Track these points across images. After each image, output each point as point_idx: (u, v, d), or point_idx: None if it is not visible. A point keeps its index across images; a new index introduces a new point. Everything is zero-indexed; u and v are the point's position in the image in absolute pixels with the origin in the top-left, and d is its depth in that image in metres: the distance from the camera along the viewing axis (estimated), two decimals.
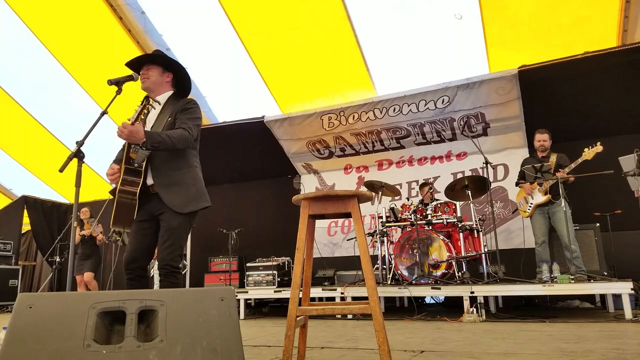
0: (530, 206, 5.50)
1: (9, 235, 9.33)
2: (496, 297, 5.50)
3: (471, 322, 4.48)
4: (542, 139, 5.55)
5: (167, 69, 2.90)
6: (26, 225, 10.19)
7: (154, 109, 2.80)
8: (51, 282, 9.06)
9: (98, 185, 9.03)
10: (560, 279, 4.67)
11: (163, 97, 2.88)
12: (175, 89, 2.95)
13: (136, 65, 2.87)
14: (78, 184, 2.55)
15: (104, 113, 2.65)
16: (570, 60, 5.69)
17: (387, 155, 7.60)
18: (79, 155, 2.51)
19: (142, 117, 2.62)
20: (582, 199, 5.62)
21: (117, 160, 2.81)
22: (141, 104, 2.60)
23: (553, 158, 5.44)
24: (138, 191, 2.65)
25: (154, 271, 6.74)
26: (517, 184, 5.77)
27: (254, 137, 7.62)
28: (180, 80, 2.95)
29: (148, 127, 2.82)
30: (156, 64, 2.87)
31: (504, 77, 6.05)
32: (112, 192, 2.74)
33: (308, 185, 8.25)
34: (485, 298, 4.96)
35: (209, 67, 7.56)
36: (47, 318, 1.54)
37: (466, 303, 4.76)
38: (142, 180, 2.67)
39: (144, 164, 2.69)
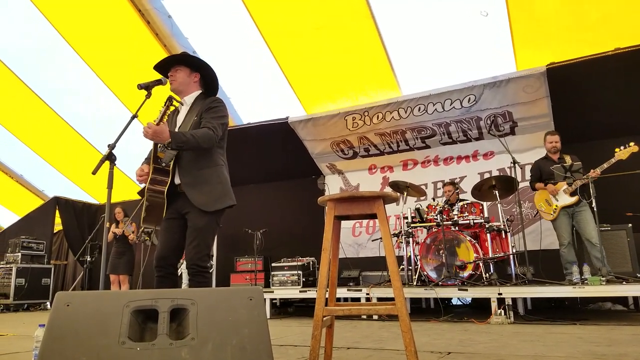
0: (555, 209, 5.37)
1: (42, 235, 9.62)
2: (525, 299, 5.41)
3: (499, 324, 4.42)
4: (554, 140, 5.46)
5: (194, 69, 2.94)
6: (58, 226, 10.49)
7: (179, 110, 2.86)
8: (82, 281, 9.31)
9: (127, 186, 9.22)
10: (591, 281, 4.56)
11: (191, 97, 2.93)
12: (204, 89, 3.00)
13: (164, 67, 2.93)
14: (110, 186, 2.61)
15: (134, 117, 2.72)
16: (601, 57, 5.56)
17: (412, 155, 7.55)
18: (111, 158, 2.58)
19: (166, 118, 2.67)
20: (613, 199, 5.47)
21: (148, 160, 2.87)
22: (165, 105, 2.66)
23: (568, 158, 5.33)
24: (166, 190, 2.70)
25: (182, 269, 6.85)
26: (533, 187, 5.63)
27: (278, 137, 7.67)
28: (208, 79, 3.00)
29: (177, 127, 2.87)
30: (183, 64, 2.92)
31: (531, 75, 5.95)
32: (141, 192, 2.80)
33: (332, 185, 8.26)
34: (514, 300, 4.88)
35: (233, 68, 7.63)
36: (83, 316, 1.59)
37: (494, 305, 4.69)
38: (170, 179, 2.73)
39: (172, 163, 2.75)
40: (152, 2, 6.81)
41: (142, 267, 7.37)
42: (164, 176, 2.74)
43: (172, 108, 2.74)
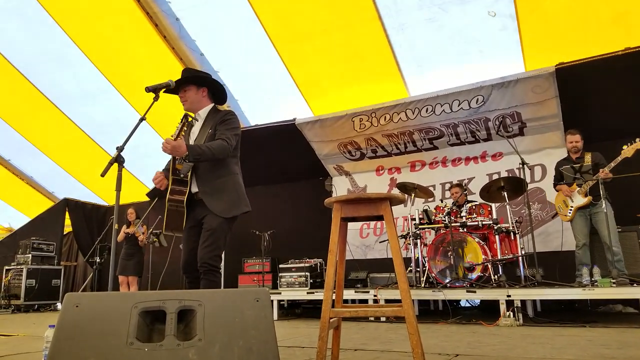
0: (570, 209, 5.33)
1: (52, 236, 9.70)
2: (534, 301, 5.37)
3: (508, 327, 4.40)
4: (575, 139, 5.38)
5: (201, 85, 3.09)
6: (67, 227, 10.57)
7: (193, 125, 3.00)
8: (91, 282, 9.37)
9: (135, 188, 9.28)
10: (601, 283, 4.52)
11: (204, 112, 3.09)
12: (213, 100, 3.16)
13: (174, 89, 3.04)
14: (118, 188, 2.64)
15: (142, 119, 2.75)
16: (610, 57, 5.51)
17: (420, 156, 7.53)
18: (119, 160, 2.61)
19: (183, 133, 2.80)
20: (624, 200, 5.41)
21: (166, 170, 3.01)
22: (181, 122, 2.79)
23: (588, 157, 5.27)
24: (185, 199, 2.84)
25: None
26: (555, 187, 5.61)
27: (286, 139, 7.68)
28: (215, 91, 3.17)
29: (192, 140, 3.02)
30: (190, 83, 3.05)
31: (540, 76, 5.91)
32: (149, 194, 2.91)
33: (340, 187, 8.25)
34: (523, 302, 4.84)
35: (241, 70, 7.66)
36: (92, 317, 1.61)
37: (502, 307, 4.66)
38: (188, 189, 2.88)
39: (189, 173, 2.88)
40: (160, 5, 6.85)
41: (150, 269, 7.42)
42: (182, 186, 2.88)
43: (187, 124, 2.87)
